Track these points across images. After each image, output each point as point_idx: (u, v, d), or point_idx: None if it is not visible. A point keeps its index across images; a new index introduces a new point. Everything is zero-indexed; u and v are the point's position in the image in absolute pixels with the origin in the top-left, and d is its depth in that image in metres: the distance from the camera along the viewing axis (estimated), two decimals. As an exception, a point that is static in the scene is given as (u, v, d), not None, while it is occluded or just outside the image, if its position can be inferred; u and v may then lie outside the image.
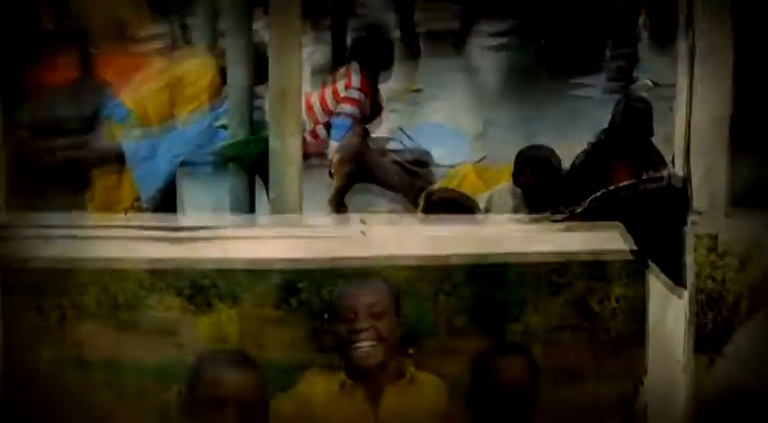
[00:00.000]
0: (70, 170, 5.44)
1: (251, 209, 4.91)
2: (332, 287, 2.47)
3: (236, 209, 4.88)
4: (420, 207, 5.31)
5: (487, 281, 2.53)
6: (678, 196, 2.44)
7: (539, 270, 2.51)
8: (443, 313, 2.54)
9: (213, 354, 2.37)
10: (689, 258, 2.43)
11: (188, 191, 5.52)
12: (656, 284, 2.46)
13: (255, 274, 2.39)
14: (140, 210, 5.35)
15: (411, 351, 2.56)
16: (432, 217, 3.35)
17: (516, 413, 2.47)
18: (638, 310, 2.47)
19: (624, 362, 2.52)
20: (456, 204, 4.94)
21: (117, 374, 2.32)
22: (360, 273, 2.51)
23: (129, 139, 5.63)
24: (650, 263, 2.45)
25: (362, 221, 2.48)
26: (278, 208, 3.88)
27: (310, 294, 2.45)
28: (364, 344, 2.51)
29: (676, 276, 2.43)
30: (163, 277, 2.34)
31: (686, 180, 2.46)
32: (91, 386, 2.31)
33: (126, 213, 2.41)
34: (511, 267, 2.51)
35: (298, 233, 2.48)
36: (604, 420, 2.53)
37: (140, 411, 2.33)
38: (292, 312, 2.43)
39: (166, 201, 5.55)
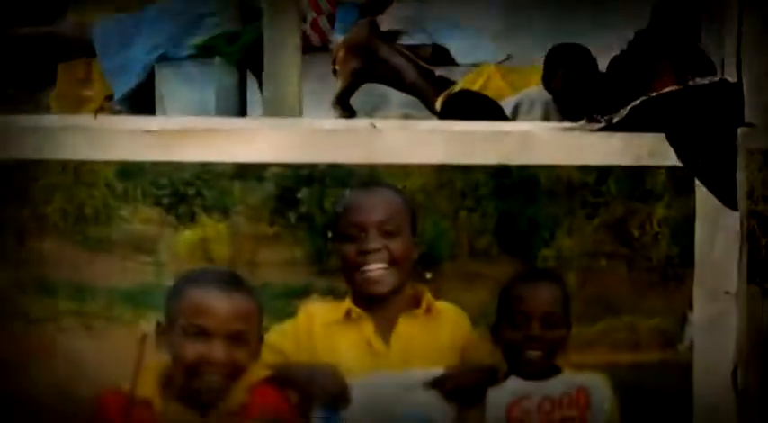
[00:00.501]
0: (32, 64, 5.33)
1: (242, 111, 4.82)
2: (337, 199, 2.38)
3: (224, 111, 4.78)
4: (438, 111, 5.22)
5: (515, 196, 2.46)
6: (728, 106, 2.36)
7: (572, 187, 2.45)
8: (465, 233, 2.47)
9: (198, 275, 2.27)
10: (740, 176, 2.37)
11: (168, 90, 5.40)
12: (704, 206, 2.39)
13: (247, 181, 2.30)
14: (112, 111, 5.26)
15: (428, 276, 2.48)
16: (451, 122, 3.27)
17: (546, 347, 2.40)
18: (683, 236, 2.41)
19: (667, 293, 2.48)
20: (479, 109, 4.85)
21: (85, 300, 2.24)
22: (369, 182, 2.42)
23: (100, 25, 5.50)
24: (697, 181, 2.37)
25: (372, 125, 2.39)
26: (273, 109, 3.79)
27: (311, 207, 2.36)
28: (374, 267, 2.42)
29: (726, 197, 2.36)
30: (138, 184, 2.25)
31: (737, 88, 2.38)
32: (55, 314, 2.24)
33: (96, 115, 2.32)
34: (541, 182, 2.45)
35: (297, 133, 2.38)
36: (644, 357, 2.49)
37: (113, 344, 2.26)
38: (290, 228, 2.35)
39: (142, 101, 5.44)
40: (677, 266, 2.44)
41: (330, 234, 2.40)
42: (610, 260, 2.47)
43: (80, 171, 2.25)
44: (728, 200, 2.37)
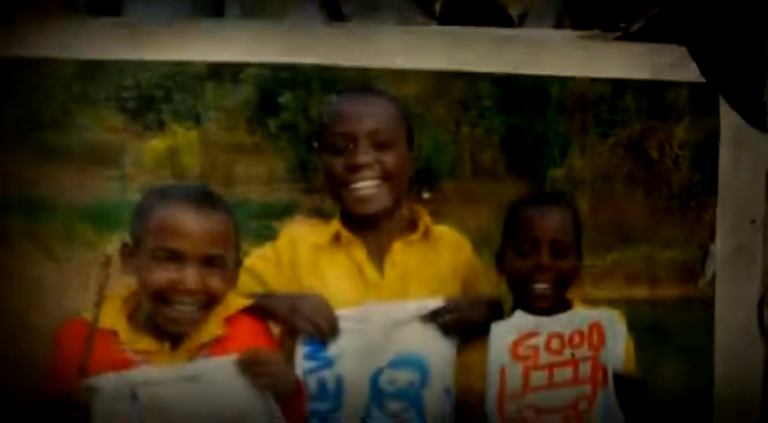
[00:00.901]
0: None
1: (218, 12, 4.71)
2: (324, 105, 2.27)
3: (197, 11, 4.67)
4: (437, 14, 5.09)
5: (522, 110, 2.39)
6: (757, 14, 2.26)
7: (586, 101, 2.38)
8: (468, 148, 2.40)
9: (167, 191, 2.16)
10: (770, 93, 2.27)
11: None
12: (729, 126, 2.34)
13: (222, 83, 2.20)
14: (73, 8, 5.12)
15: (426, 196, 2.38)
16: (452, 27, 3.17)
17: (556, 278, 2.29)
18: (705, 159, 2.33)
19: (688, 222, 2.43)
20: (482, 13, 4.72)
21: (41, 220, 2.15)
22: (361, 87, 2.32)
23: None
24: (721, 98, 2.30)
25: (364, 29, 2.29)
26: (253, 10, 3.68)
27: (295, 114, 2.27)
28: (365, 183, 2.31)
29: (753, 115, 2.28)
30: (100, 85, 2.15)
31: None
32: (8, 236, 2.15)
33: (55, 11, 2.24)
34: (552, 95, 2.38)
35: (279, 32, 2.28)
36: (663, 292, 2.43)
37: (73, 269, 2.17)
38: (271, 138, 2.26)
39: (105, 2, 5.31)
40: (699, 193, 2.39)
41: (316, 145, 2.30)
42: (626, 184, 2.41)
43: (37, 71, 2.15)
44: (756, 119, 2.28)
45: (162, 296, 2.06)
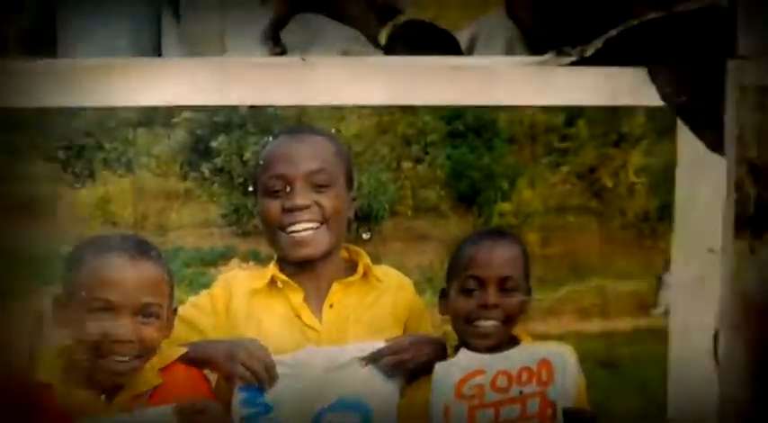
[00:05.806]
0: None
1: (157, 50, 4.73)
2: (259, 147, 2.32)
3: (136, 50, 4.69)
4: (382, 44, 5.16)
5: (469, 143, 2.44)
6: (718, 35, 2.32)
7: (536, 131, 2.43)
8: (410, 186, 2.45)
9: (99, 242, 2.26)
10: (728, 117, 2.30)
11: (70, 26, 5.29)
12: (687, 151, 2.33)
13: (154, 129, 2.26)
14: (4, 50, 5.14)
15: (366, 236, 2.45)
16: (397, 58, 3.21)
17: (503, 316, 2.34)
18: (662, 186, 2.39)
19: (643, 252, 2.47)
20: (430, 41, 4.81)
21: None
22: (297, 127, 2.37)
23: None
24: (680, 122, 2.32)
25: (302, 59, 2.35)
26: (192, 46, 3.72)
27: (229, 157, 2.34)
28: (302, 226, 2.41)
29: (713, 140, 2.34)
30: (27, 134, 2.20)
31: (730, 15, 2.31)
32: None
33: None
34: (501, 126, 2.43)
35: (212, 72, 2.32)
36: (615, 325, 2.48)
37: (5, 322, 2.22)
38: (205, 183, 2.33)
39: (42, 40, 5.31)
40: (655, 222, 2.41)
41: (251, 189, 2.37)
42: (578, 215, 2.45)
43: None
44: (715, 144, 2.31)
45: (97, 348, 2.15)
